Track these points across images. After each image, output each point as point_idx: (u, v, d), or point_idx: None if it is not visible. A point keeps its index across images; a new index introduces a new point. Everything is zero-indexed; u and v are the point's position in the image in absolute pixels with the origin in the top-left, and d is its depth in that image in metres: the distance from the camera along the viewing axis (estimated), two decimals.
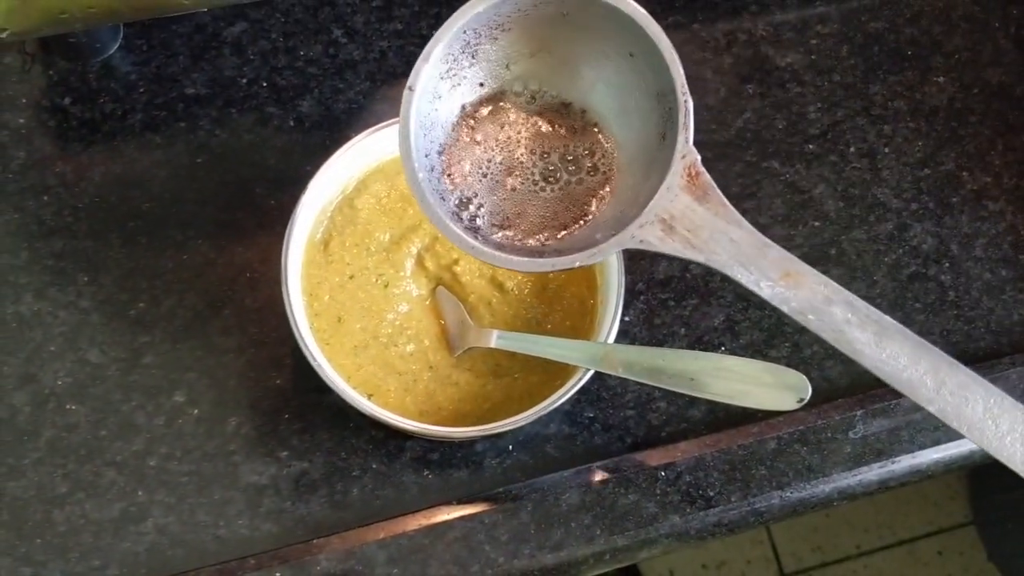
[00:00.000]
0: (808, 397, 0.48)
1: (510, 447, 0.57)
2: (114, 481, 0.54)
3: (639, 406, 0.58)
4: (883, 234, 0.63)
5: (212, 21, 0.64)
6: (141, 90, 0.62)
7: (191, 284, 0.58)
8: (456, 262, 0.56)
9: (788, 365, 0.59)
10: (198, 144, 0.61)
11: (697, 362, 0.50)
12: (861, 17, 0.68)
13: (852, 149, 0.65)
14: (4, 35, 0.54)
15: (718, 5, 0.68)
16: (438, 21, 0.66)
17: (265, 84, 0.63)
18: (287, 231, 0.53)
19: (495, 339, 0.54)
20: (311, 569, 0.51)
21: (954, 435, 0.55)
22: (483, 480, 0.56)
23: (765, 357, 0.60)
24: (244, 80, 0.63)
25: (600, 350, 0.52)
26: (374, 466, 0.56)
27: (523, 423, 0.51)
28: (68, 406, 0.55)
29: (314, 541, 0.53)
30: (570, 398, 0.52)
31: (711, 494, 0.54)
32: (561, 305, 0.56)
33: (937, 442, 0.56)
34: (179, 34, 0.63)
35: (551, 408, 0.51)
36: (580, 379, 0.52)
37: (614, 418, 0.58)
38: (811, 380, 0.50)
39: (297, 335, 0.51)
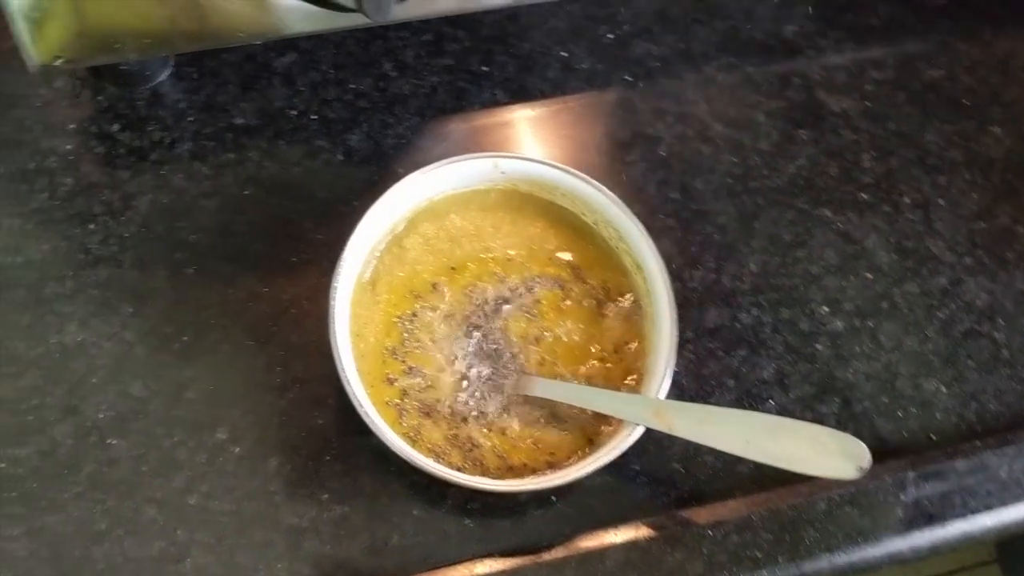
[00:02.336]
0: (868, 467, 0.47)
1: (553, 498, 0.56)
2: (154, 519, 0.53)
3: (686, 460, 0.57)
4: (936, 288, 0.62)
5: (262, 51, 0.63)
6: (190, 119, 0.61)
7: (236, 318, 0.57)
8: (501, 304, 0.56)
9: (838, 421, 0.58)
10: (246, 176, 0.61)
11: (753, 423, 0.49)
12: (918, 64, 0.67)
13: (906, 199, 0.64)
14: (58, 62, 0.53)
15: (772, 48, 0.67)
16: (489, 57, 0.66)
17: (315, 116, 0.62)
18: (336, 270, 0.53)
19: (540, 387, 0.53)
20: None
21: (1009, 499, 0.54)
22: (525, 531, 0.55)
23: (814, 412, 0.59)
24: (294, 112, 0.62)
25: (651, 406, 0.51)
26: (415, 512, 0.55)
27: (569, 480, 0.50)
28: (109, 440, 0.55)
29: None
30: (618, 456, 0.51)
31: (759, 555, 0.53)
32: (611, 353, 0.55)
33: (990, 507, 0.55)
34: (229, 63, 0.63)
35: (598, 467, 0.50)
36: (630, 436, 0.51)
37: (660, 471, 0.57)
38: (862, 438, 0.49)
39: (343, 378, 0.51)
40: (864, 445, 0.48)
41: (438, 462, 0.52)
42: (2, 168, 0.59)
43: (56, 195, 0.59)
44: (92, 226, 0.59)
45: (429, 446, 0.53)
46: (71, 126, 0.60)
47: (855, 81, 0.66)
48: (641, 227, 0.55)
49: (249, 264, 0.59)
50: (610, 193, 0.55)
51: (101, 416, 0.55)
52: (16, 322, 0.56)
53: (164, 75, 0.61)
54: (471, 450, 0.53)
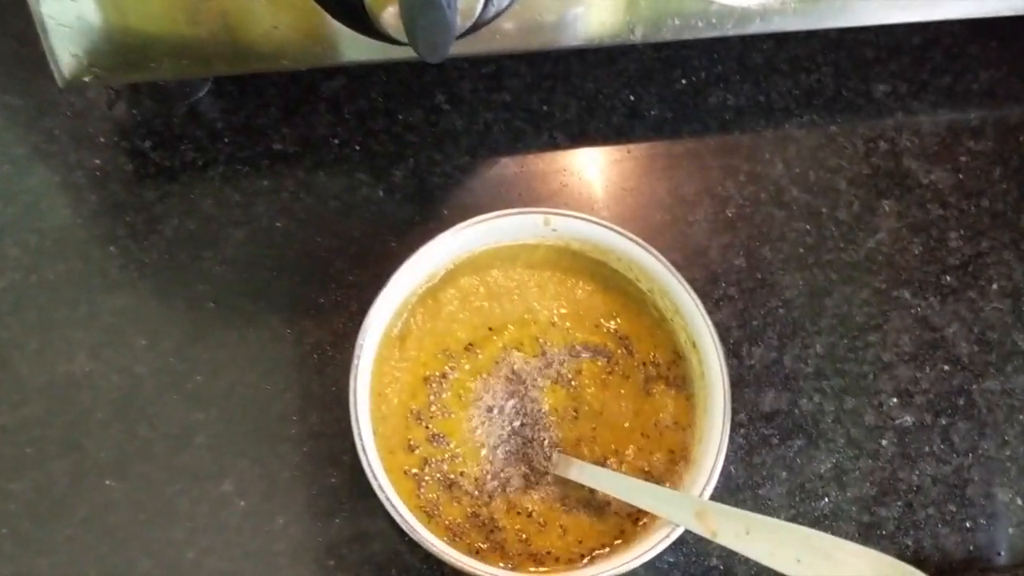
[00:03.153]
0: None
1: None
2: (148, 572, 0.50)
3: (726, 557, 0.52)
4: (1020, 387, 0.57)
5: (309, 73, 0.59)
6: (226, 140, 0.58)
7: (255, 361, 0.54)
8: (539, 372, 0.51)
9: (898, 526, 0.53)
10: (280, 207, 0.57)
11: (807, 541, 0.44)
12: (1019, 136, 0.61)
13: (995, 287, 0.58)
14: (88, 79, 0.50)
15: (861, 107, 0.61)
16: (551, 95, 0.61)
17: (358, 147, 0.58)
18: (364, 324, 0.48)
19: (575, 471, 0.49)
20: None
21: None
22: None
23: (873, 515, 0.53)
24: (336, 141, 0.58)
25: (694, 507, 0.46)
26: None
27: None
28: (108, 482, 0.51)
29: None
30: (653, 556, 0.46)
31: None
32: (656, 437, 0.51)
33: None
34: (274, 83, 0.59)
35: (628, 568, 0.45)
36: (668, 536, 0.46)
37: (697, 567, 0.52)
38: (923, 547, 0.44)
39: (359, 445, 0.46)
40: None
41: (454, 542, 0.48)
42: (27, 180, 0.56)
43: (79, 212, 0.56)
44: (113, 248, 0.55)
45: (447, 523, 0.49)
46: (101, 139, 0.57)
47: (948, 150, 0.61)
48: (699, 303, 0.50)
49: (273, 303, 0.55)
50: (668, 263, 0.50)
51: (103, 455, 0.51)
52: (24, 345, 0.53)
53: (203, 92, 0.58)
54: (492, 532, 0.49)
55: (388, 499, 0.45)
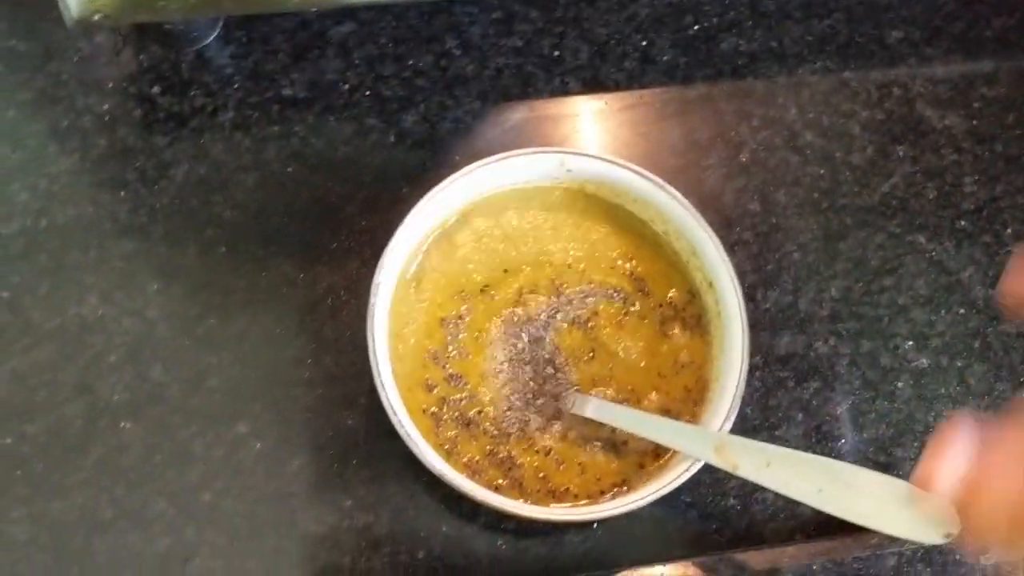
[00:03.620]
0: (956, 532, 0.42)
1: (594, 525, 0.51)
2: (163, 513, 0.49)
3: (743, 496, 0.52)
4: None
5: (318, 19, 0.59)
6: (235, 86, 0.57)
7: (267, 305, 0.53)
8: (554, 313, 0.51)
9: (915, 466, 0.53)
10: (290, 152, 0.56)
11: (829, 471, 0.44)
12: None
13: (1009, 230, 0.58)
14: (97, 17, 0.49)
15: (874, 53, 0.61)
16: (562, 41, 0.61)
17: (368, 93, 0.58)
18: (379, 263, 0.48)
19: (592, 408, 0.48)
20: None
21: None
22: (562, 559, 0.50)
23: (889, 456, 0.53)
24: (346, 86, 0.58)
25: (714, 441, 0.46)
26: (444, 529, 0.50)
27: (613, 514, 0.45)
28: (123, 424, 0.51)
29: None
30: (672, 490, 0.46)
31: None
32: (672, 376, 0.50)
33: None
34: (282, 29, 0.58)
35: (646, 503, 0.45)
36: (687, 471, 0.46)
37: (714, 507, 0.51)
38: None
39: (378, 381, 0.46)
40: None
41: (474, 479, 0.47)
42: (34, 125, 0.56)
43: (88, 157, 0.55)
44: (123, 193, 0.55)
45: (465, 461, 0.48)
46: (109, 85, 0.56)
47: (962, 96, 0.60)
48: (717, 241, 0.49)
49: (285, 247, 0.54)
50: (686, 202, 0.50)
51: (116, 398, 0.51)
52: (34, 290, 0.53)
53: (211, 37, 0.57)
54: (511, 469, 0.49)
55: (408, 435, 0.45)
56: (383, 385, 0.46)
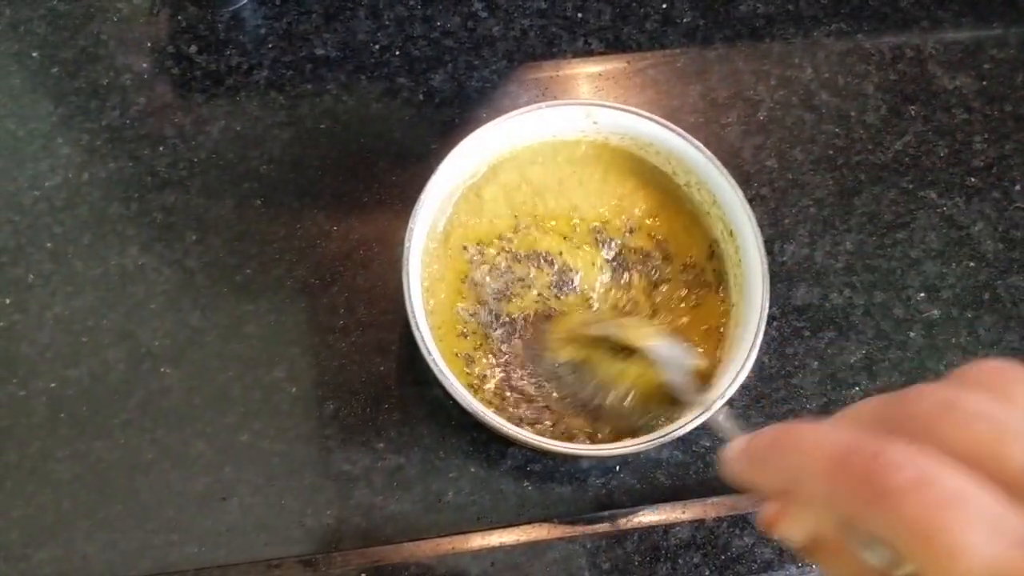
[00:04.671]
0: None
1: (617, 467, 0.53)
2: (202, 453, 0.51)
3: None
4: None
5: None
6: (270, 45, 0.59)
7: (302, 255, 0.55)
8: (585, 265, 0.53)
9: None
10: (323, 109, 0.58)
11: None
12: None
13: (1018, 187, 0.60)
14: None
15: (887, 16, 0.62)
16: (585, 2, 0.62)
17: (398, 52, 0.60)
18: (413, 213, 0.50)
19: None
20: (399, 574, 0.48)
21: None
22: (586, 499, 0.52)
23: None
24: (377, 46, 0.60)
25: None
26: (472, 470, 0.52)
27: (634, 450, 0.47)
28: (163, 369, 0.53)
29: (404, 544, 0.49)
30: (688, 432, 0.47)
31: None
32: (691, 317, 0.52)
33: None
34: None
35: (663, 442, 0.47)
36: (699, 416, 0.47)
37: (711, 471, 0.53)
38: None
39: (412, 322, 0.47)
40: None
41: (501, 416, 0.49)
42: (76, 82, 0.58)
43: (127, 114, 0.57)
44: (162, 148, 0.56)
45: (489, 398, 0.50)
46: (148, 44, 0.58)
47: (972, 58, 0.62)
48: (738, 189, 0.51)
49: (319, 200, 0.56)
50: (709, 152, 0.52)
51: (156, 343, 0.53)
52: (77, 240, 0.54)
53: None
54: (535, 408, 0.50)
55: (439, 369, 0.46)
56: (417, 325, 0.47)
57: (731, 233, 0.52)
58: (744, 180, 0.58)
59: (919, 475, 0.21)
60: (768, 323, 0.55)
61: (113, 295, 0.54)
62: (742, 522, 0.50)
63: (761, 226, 0.56)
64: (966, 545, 0.20)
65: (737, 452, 0.26)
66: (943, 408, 0.23)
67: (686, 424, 0.47)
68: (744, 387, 0.49)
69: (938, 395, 0.23)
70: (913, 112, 0.61)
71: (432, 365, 0.47)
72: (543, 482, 0.52)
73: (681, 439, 0.53)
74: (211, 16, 0.59)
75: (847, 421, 0.25)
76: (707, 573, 0.49)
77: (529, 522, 0.51)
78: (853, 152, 0.60)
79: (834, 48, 0.59)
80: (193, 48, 0.58)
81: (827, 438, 0.23)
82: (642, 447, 0.47)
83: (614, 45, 0.61)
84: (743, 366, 0.49)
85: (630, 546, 0.49)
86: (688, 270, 0.54)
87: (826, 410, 0.53)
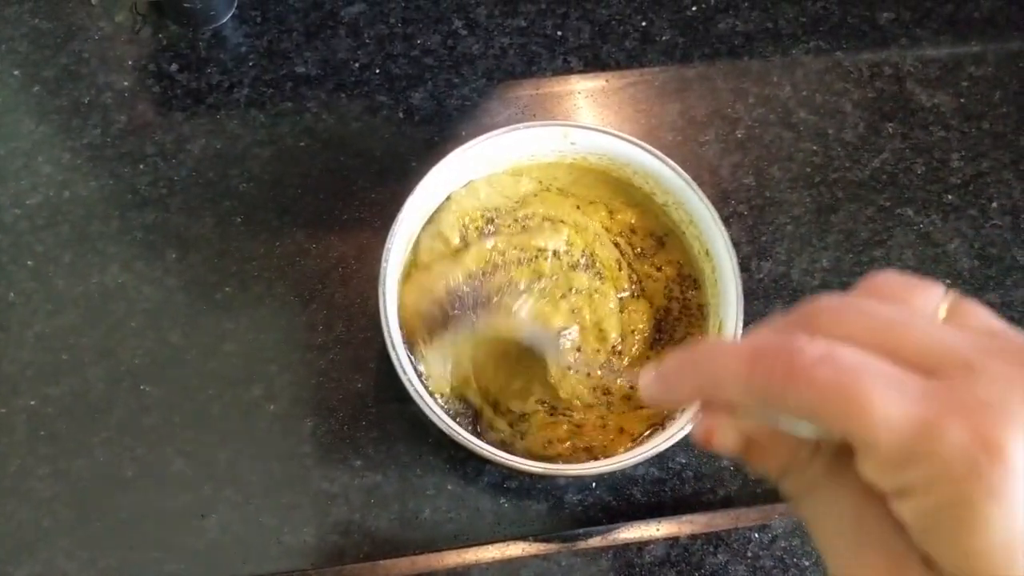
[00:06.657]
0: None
1: (593, 484, 0.53)
2: (182, 471, 0.52)
3: (736, 458, 0.54)
4: (1018, 300, 0.58)
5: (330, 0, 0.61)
6: (250, 63, 0.59)
7: (282, 273, 0.55)
8: (569, 292, 0.53)
9: None
10: (303, 127, 0.58)
11: None
12: (1019, 62, 0.63)
13: (995, 204, 0.60)
14: None
15: (866, 34, 0.63)
16: (565, 21, 0.63)
17: (378, 71, 0.60)
18: (390, 232, 0.50)
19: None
20: None
21: None
22: (562, 517, 0.53)
23: None
24: (357, 64, 0.60)
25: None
26: (450, 487, 0.53)
27: (609, 470, 0.48)
28: (143, 387, 0.53)
29: (381, 562, 0.50)
30: (665, 449, 0.48)
31: (806, 564, 0.50)
32: (664, 337, 0.53)
33: None
34: (295, 9, 0.61)
35: (640, 460, 0.47)
36: (675, 434, 0.48)
37: (708, 467, 0.54)
38: None
39: (389, 342, 0.48)
40: None
41: (480, 438, 0.49)
42: (57, 100, 0.58)
43: (109, 132, 0.57)
44: (142, 166, 0.57)
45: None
46: (129, 62, 0.59)
47: (950, 76, 0.62)
48: (714, 212, 0.51)
49: (298, 218, 0.57)
50: (685, 174, 0.52)
51: (136, 361, 0.53)
52: (58, 258, 0.55)
53: (227, 17, 0.60)
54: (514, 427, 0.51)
55: (417, 391, 0.47)
56: (393, 344, 0.48)
57: (707, 252, 0.52)
58: (722, 198, 0.59)
59: (824, 351, 0.23)
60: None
61: (94, 313, 0.54)
62: (716, 540, 0.51)
63: (738, 244, 0.57)
64: (877, 399, 0.22)
65: (653, 376, 0.28)
66: (842, 307, 0.25)
67: (663, 442, 0.48)
68: None
69: (836, 299, 0.26)
70: (891, 129, 0.61)
71: (408, 384, 0.47)
72: (520, 499, 0.53)
73: (658, 457, 0.53)
74: (192, 34, 0.59)
75: (753, 334, 0.27)
76: None
77: (505, 539, 0.51)
78: (831, 170, 0.60)
79: (812, 66, 0.60)
80: (174, 66, 0.59)
81: (740, 345, 0.25)
82: (617, 466, 0.48)
83: (593, 63, 0.62)
84: None
85: (604, 563, 0.50)
86: (668, 283, 0.54)
87: None
